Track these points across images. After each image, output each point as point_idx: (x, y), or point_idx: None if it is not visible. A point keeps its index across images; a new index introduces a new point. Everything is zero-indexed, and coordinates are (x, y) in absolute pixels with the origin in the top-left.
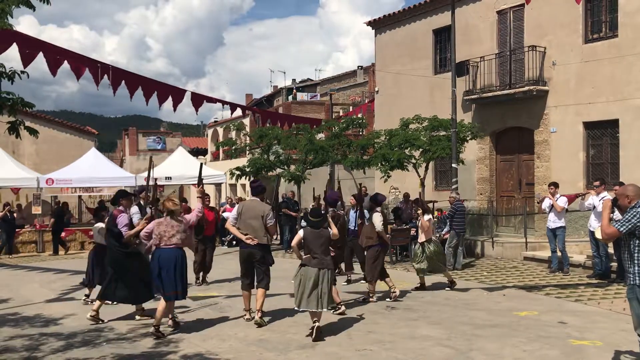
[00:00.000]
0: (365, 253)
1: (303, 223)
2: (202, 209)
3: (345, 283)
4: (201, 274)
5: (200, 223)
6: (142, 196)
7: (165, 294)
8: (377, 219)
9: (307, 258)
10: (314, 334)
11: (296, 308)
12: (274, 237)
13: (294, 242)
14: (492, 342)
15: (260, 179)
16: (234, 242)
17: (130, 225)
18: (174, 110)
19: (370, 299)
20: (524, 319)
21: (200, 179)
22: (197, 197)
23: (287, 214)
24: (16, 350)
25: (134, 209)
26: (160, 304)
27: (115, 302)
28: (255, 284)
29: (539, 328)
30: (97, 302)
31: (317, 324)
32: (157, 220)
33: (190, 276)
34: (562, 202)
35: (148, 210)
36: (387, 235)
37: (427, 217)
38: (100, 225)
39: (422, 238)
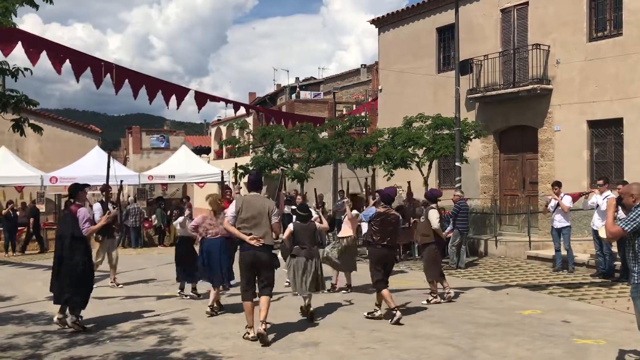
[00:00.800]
0: (423, 252)
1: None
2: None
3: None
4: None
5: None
6: (104, 194)
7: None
8: (434, 215)
9: (297, 249)
10: (309, 315)
11: (296, 294)
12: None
13: (285, 235)
14: (495, 341)
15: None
16: None
17: (92, 220)
18: (177, 107)
19: (434, 299)
20: (527, 318)
21: (108, 174)
22: (236, 193)
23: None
24: (20, 347)
25: (96, 205)
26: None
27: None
28: (258, 290)
29: (543, 327)
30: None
31: (310, 307)
32: (202, 215)
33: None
34: (567, 201)
35: (110, 207)
36: (444, 233)
37: (354, 212)
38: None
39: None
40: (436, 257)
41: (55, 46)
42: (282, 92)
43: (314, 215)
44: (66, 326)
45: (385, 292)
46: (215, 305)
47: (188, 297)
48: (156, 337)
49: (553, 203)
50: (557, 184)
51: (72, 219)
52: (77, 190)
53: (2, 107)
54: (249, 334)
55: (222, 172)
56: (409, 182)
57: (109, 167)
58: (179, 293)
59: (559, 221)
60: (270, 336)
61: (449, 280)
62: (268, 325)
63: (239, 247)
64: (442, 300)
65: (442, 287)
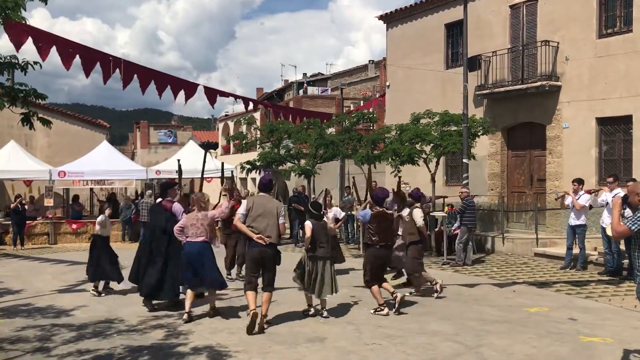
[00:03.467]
0: (408, 250)
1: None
2: (228, 206)
3: None
4: (234, 269)
5: (231, 217)
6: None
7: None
8: (418, 214)
9: (314, 248)
10: (324, 316)
11: (307, 292)
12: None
13: (308, 233)
14: (501, 338)
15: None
16: None
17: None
18: (185, 103)
19: (436, 290)
20: (534, 315)
21: (222, 175)
22: (223, 194)
23: (297, 209)
24: (29, 340)
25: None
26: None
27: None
28: (261, 286)
29: (549, 324)
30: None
31: (325, 312)
32: (188, 216)
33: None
34: (583, 200)
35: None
36: (428, 232)
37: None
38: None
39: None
40: (420, 254)
41: (65, 42)
42: (290, 88)
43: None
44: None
45: (375, 288)
46: (211, 311)
47: (102, 294)
48: (163, 331)
49: (569, 200)
50: (577, 181)
51: (167, 214)
52: (167, 188)
53: (12, 100)
54: (249, 314)
55: (222, 163)
56: (399, 177)
57: (204, 162)
58: (92, 291)
59: (573, 219)
60: (277, 331)
61: (456, 278)
62: (268, 317)
63: (247, 243)
64: (435, 294)
65: (430, 283)
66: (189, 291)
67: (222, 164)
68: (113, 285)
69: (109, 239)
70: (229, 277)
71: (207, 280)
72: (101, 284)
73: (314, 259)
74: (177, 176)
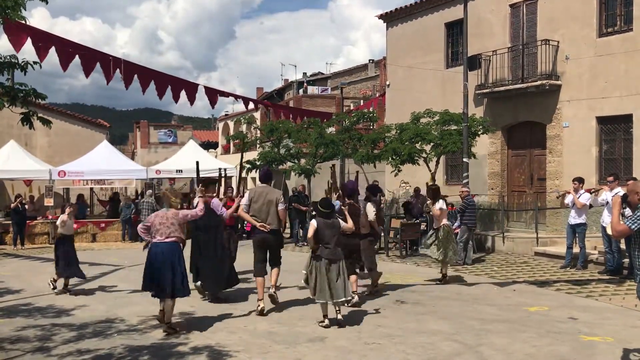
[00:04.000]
0: (361, 242)
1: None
2: (203, 208)
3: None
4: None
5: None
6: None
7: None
8: (371, 208)
9: (320, 248)
10: (338, 322)
11: (315, 299)
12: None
13: (310, 234)
14: (501, 337)
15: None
16: (244, 235)
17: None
18: (191, 104)
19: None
20: (534, 314)
21: (198, 176)
22: (199, 196)
23: (297, 208)
24: (29, 340)
25: (215, 201)
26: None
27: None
28: (269, 265)
29: (549, 323)
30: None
31: (339, 315)
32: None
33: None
34: (584, 198)
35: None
36: (381, 227)
37: (437, 205)
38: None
39: (436, 224)
40: (371, 249)
41: (65, 42)
42: (290, 87)
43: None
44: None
45: (352, 277)
46: (166, 325)
47: (57, 290)
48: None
49: (569, 199)
50: (577, 180)
51: (209, 209)
52: (209, 184)
53: (11, 100)
54: (259, 306)
55: (220, 169)
56: (376, 181)
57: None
58: (65, 289)
59: (574, 217)
60: (277, 330)
61: (456, 276)
62: (279, 286)
63: (252, 232)
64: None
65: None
66: (160, 302)
67: (220, 169)
68: (73, 281)
69: (73, 238)
70: None
71: (173, 286)
72: (60, 282)
73: (319, 259)
74: (177, 175)
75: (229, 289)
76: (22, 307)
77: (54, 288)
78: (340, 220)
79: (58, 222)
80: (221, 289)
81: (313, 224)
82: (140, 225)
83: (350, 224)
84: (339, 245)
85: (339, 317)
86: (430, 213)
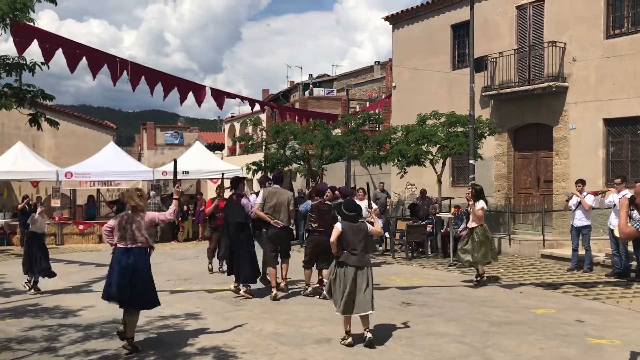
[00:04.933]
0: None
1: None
2: (174, 211)
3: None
4: (217, 262)
5: (214, 213)
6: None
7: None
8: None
9: (345, 255)
10: (368, 342)
11: (339, 313)
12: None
13: (333, 238)
14: (508, 339)
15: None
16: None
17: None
18: (199, 106)
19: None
20: (541, 317)
21: (175, 176)
22: (175, 198)
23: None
24: (36, 340)
25: (252, 197)
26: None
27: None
28: (279, 260)
29: (556, 326)
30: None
31: (369, 334)
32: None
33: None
34: (589, 200)
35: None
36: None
37: (479, 205)
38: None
39: (471, 224)
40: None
41: (72, 44)
42: (296, 89)
43: (364, 212)
44: (239, 294)
45: (307, 272)
46: (127, 341)
47: (35, 291)
48: (169, 332)
49: (574, 201)
50: (580, 182)
51: (238, 207)
52: (238, 182)
53: (19, 101)
54: (273, 293)
55: (222, 174)
56: (367, 184)
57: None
58: (34, 289)
59: (579, 220)
60: (283, 331)
61: (462, 279)
62: (288, 279)
63: (266, 228)
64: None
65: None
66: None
67: (223, 174)
68: (44, 281)
69: (44, 237)
70: (210, 266)
71: (138, 298)
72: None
73: (344, 266)
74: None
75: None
76: (30, 307)
77: (30, 289)
78: (367, 223)
79: (29, 220)
80: (258, 277)
81: (337, 227)
82: (104, 228)
83: (378, 227)
84: (366, 251)
85: (369, 335)
86: (469, 211)
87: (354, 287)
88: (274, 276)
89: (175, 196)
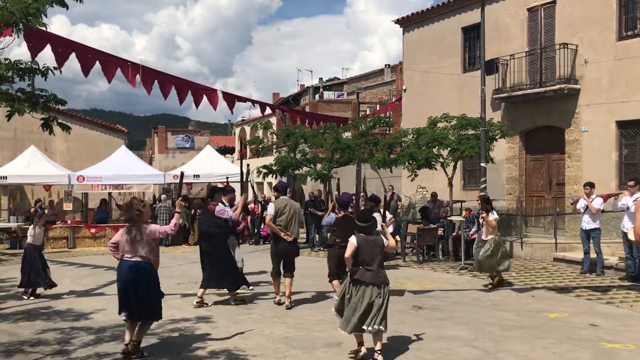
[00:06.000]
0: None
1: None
2: (175, 225)
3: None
4: None
5: None
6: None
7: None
8: None
9: (361, 272)
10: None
11: (346, 334)
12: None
13: (348, 253)
14: (521, 343)
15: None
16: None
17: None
18: (214, 109)
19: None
20: (553, 321)
21: (180, 189)
22: (176, 212)
23: (313, 213)
24: (48, 343)
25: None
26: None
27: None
28: (283, 273)
29: (569, 330)
30: (201, 291)
31: (380, 356)
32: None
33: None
34: (597, 203)
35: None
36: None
37: (492, 216)
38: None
39: (486, 237)
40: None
41: (85, 49)
42: (306, 93)
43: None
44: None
45: (335, 282)
46: (129, 346)
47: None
48: (180, 335)
49: (582, 204)
50: (589, 185)
51: (211, 216)
52: (214, 193)
53: (32, 106)
54: (276, 298)
55: (226, 178)
56: (391, 186)
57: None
58: (28, 296)
59: (587, 223)
60: (293, 335)
61: (474, 282)
62: (292, 298)
63: (274, 240)
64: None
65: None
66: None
67: (240, 171)
68: (39, 291)
69: (42, 247)
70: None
71: (142, 311)
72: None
73: (358, 284)
74: (194, 180)
75: (239, 290)
76: (42, 310)
77: (30, 296)
78: (383, 237)
79: (29, 232)
80: (224, 287)
81: (352, 242)
82: (109, 243)
83: (392, 242)
84: (382, 267)
85: (380, 358)
86: (482, 222)
87: (369, 308)
88: (277, 285)
89: (177, 209)
